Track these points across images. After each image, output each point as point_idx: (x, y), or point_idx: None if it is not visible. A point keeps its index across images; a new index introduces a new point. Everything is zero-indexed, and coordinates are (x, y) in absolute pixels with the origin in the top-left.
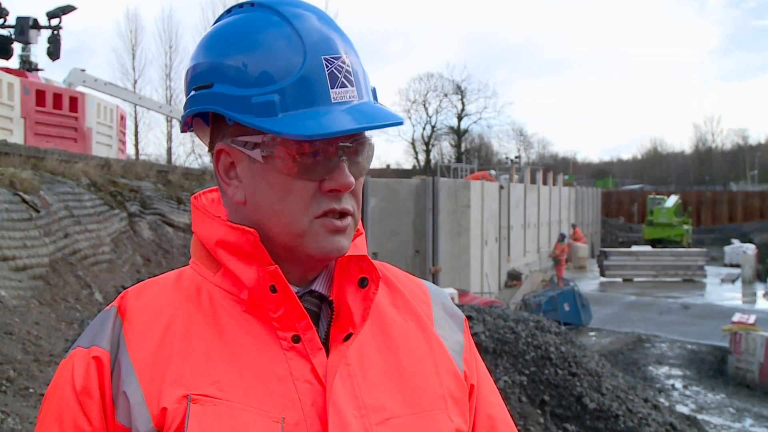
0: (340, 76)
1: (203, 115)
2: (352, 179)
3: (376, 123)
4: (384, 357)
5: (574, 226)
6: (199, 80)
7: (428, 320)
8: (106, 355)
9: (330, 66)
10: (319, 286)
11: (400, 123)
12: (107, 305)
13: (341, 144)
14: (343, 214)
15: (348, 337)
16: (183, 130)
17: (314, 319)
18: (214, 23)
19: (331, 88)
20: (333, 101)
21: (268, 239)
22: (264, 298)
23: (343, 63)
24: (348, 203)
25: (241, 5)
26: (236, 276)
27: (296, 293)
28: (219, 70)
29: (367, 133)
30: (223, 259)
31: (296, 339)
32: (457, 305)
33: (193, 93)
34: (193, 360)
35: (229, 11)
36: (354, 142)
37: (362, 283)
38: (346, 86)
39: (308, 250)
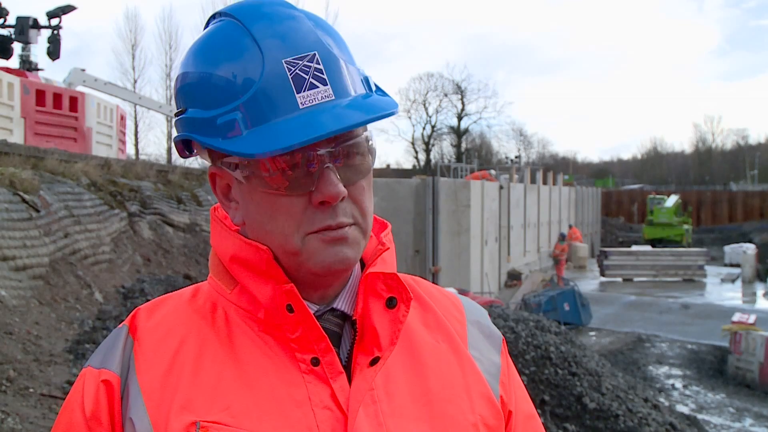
0: (307, 77)
1: None
2: (340, 188)
3: (337, 127)
4: (411, 381)
5: (570, 227)
6: (177, 104)
7: (462, 340)
8: (116, 379)
9: (293, 68)
10: (341, 304)
11: (377, 118)
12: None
13: (320, 152)
14: (340, 227)
15: (374, 362)
16: (183, 156)
17: (335, 339)
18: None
19: (297, 93)
20: (301, 106)
21: (277, 258)
22: (280, 318)
23: (311, 61)
24: (345, 214)
25: (213, 16)
26: (252, 294)
27: (316, 312)
28: (188, 93)
29: (366, 126)
30: (238, 276)
31: (315, 362)
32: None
33: (174, 119)
34: (205, 384)
35: (207, 22)
36: (338, 146)
37: (391, 303)
38: (317, 86)
39: (308, 267)
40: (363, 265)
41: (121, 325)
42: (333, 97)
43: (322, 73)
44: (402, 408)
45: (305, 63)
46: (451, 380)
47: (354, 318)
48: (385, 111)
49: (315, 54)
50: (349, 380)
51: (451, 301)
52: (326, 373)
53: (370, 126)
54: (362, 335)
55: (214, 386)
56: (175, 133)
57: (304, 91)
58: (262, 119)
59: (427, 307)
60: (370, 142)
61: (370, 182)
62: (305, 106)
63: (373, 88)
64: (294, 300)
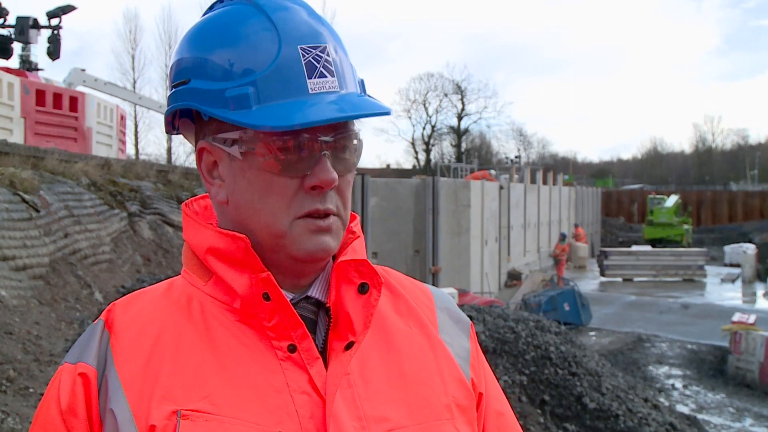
0: (318, 65)
1: (189, 115)
2: (334, 175)
3: (352, 113)
4: (386, 365)
5: (576, 226)
6: (177, 77)
7: (432, 326)
8: (93, 372)
9: (307, 55)
10: (315, 292)
11: (383, 113)
12: (100, 313)
13: (321, 138)
14: (327, 215)
15: (349, 346)
16: (168, 131)
17: (311, 326)
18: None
19: (309, 78)
20: (311, 92)
21: (256, 243)
22: (257, 307)
23: (322, 52)
24: (332, 202)
25: (219, 0)
26: (228, 284)
27: (291, 300)
28: (195, 65)
29: (356, 126)
30: (214, 267)
31: (292, 348)
32: (457, 305)
33: (171, 91)
34: (184, 374)
35: (212, 7)
36: (336, 136)
37: (362, 288)
38: (326, 76)
39: (291, 252)
40: (334, 257)
41: (96, 320)
42: (338, 89)
43: (331, 65)
44: (378, 391)
45: (317, 53)
46: (425, 364)
47: (328, 305)
48: (384, 109)
49: (326, 46)
50: (326, 366)
51: (421, 289)
52: (303, 360)
53: (367, 127)
54: (336, 321)
55: (193, 376)
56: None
57: (314, 78)
58: (273, 97)
59: (398, 295)
60: (356, 141)
61: (352, 179)
62: (314, 92)
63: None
64: (271, 288)
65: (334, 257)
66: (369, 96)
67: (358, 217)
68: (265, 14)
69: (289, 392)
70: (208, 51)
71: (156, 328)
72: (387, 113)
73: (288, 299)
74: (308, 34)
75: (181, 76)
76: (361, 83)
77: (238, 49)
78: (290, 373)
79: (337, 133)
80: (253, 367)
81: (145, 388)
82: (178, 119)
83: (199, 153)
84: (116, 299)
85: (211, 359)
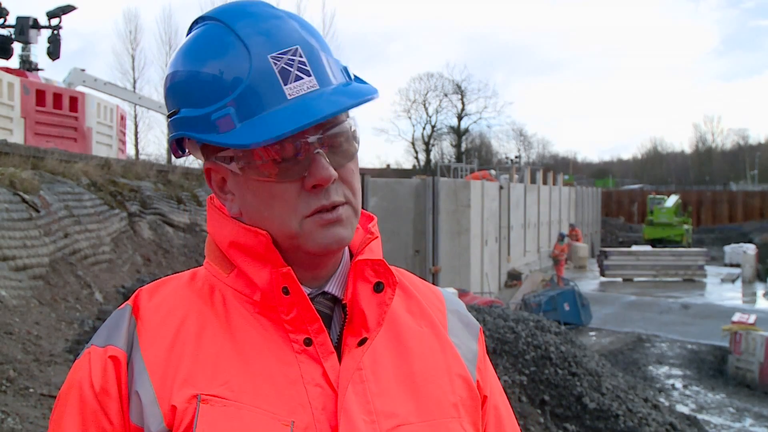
0: (292, 69)
1: None
2: (331, 171)
3: (330, 111)
4: (397, 363)
5: (572, 226)
6: (168, 106)
7: (442, 327)
8: (123, 355)
9: (278, 63)
10: (332, 288)
11: (364, 101)
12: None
13: (309, 139)
14: (334, 206)
15: (362, 342)
16: (177, 156)
17: (326, 321)
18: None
19: (285, 85)
20: (289, 98)
21: (274, 242)
22: (276, 300)
23: (294, 55)
24: (337, 194)
25: (196, 21)
26: (249, 277)
27: (309, 294)
28: (180, 94)
29: (347, 114)
30: (236, 260)
31: (308, 342)
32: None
33: (167, 121)
34: (205, 360)
35: (191, 27)
36: (325, 133)
37: (378, 287)
38: (302, 78)
39: (306, 248)
40: (352, 255)
41: (123, 305)
42: (317, 87)
43: (306, 65)
44: (388, 387)
45: (289, 57)
46: (434, 363)
47: (344, 302)
48: (367, 96)
49: (297, 48)
50: (339, 360)
51: (433, 292)
52: (318, 353)
53: (367, 127)
54: (351, 318)
55: (213, 363)
56: (168, 134)
57: (290, 83)
58: (254, 112)
59: (411, 296)
60: (353, 129)
61: (356, 165)
62: (293, 96)
63: (352, 77)
64: (290, 283)
65: (352, 255)
66: (357, 81)
67: (376, 218)
68: (232, 31)
69: (303, 384)
70: (188, 77)
71: (180, 315)
72: (367, 101)
73: (306, 294)
74: (277, 41)
75: (171, 105)
76: (345, 70)
77: (213, 71)
78: (305, 365)
79: (326, 130)
80: (270, 358)
81: (168, 372)
82: (185, 142)
83: (207, 173)
84: (116, 300)
85: (230, 348)
